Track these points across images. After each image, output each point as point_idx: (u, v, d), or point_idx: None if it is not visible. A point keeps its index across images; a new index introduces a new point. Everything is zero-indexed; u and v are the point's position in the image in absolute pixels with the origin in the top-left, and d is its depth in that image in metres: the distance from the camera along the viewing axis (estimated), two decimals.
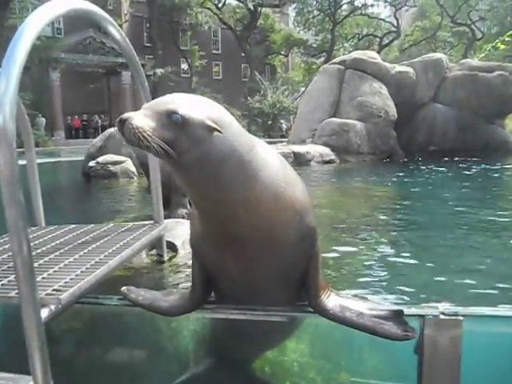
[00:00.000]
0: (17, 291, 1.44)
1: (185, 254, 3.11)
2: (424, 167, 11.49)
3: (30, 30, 1.50)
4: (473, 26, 40.89)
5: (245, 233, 1.55)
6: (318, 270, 1.73)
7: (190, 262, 2.52)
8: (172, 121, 1.42)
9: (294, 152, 12.50)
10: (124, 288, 1.90)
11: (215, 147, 1.46)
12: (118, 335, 2.36)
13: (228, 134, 1.48)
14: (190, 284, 1.86)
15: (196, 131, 1.44)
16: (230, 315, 1.81)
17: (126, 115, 1.40)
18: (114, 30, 2.30)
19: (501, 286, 2.90)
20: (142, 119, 1.40)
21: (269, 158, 1.59)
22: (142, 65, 2.66)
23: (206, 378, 2.23)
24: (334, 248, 3.72)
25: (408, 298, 2.62)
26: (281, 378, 2.29)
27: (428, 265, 3.47)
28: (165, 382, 2.36)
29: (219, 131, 1.45)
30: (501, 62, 17.07)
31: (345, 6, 43.21)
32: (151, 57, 35.46)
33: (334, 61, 16.84)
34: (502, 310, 1.84)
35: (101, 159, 9.85)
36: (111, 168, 9.62)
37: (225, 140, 1.48)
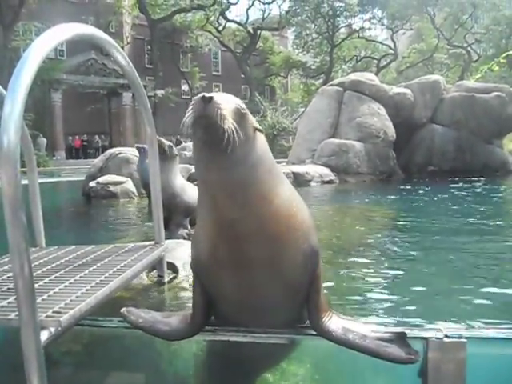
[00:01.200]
0: (16, 313, 1.42)
1: (185, 275, 3.09)
2: (423, 187, 11.50)
3: (36, 54, 1.53)
4: (469, 48, 41.63)
5: (253, 253, 1.54)
6: (320, 292, 1.73)
7: (190, 284, 2.50)
8: (238, 111, 1.45)
9: (293, 172, 12.49)
10: (124, 309, 1.88)
11: (253, 149, 1.51)
12: (117, 358, 2.32)
13: (261, 140, 1.56)
14: (190, 306, 1.84)
15: (248, 127, 1.50)
16: (231, 337, 1.80)
17: (209, 94, 1.39)
18: (117, 54, 2.34)
19: (505, 308, 2.87)
20: (223, 102, 1.41)
21: (283, 176, 1.65)
22: (144, 86, 2.69)
23: None
24: (334, 269, 3.69)
25: (411, 320, 2.59)
26: None
27: (430, 286, 3.44)
28: None
29: (261, 131, 1.54)
30: (497, 84, 17.27)
31: (342, 30, 43.99)
32: (152, 78, 35.90)
33: (332, 82, 17.05)
34: (507, 331, 1.81)
35: (101, 179, 9.85)
36: (111, 188, 9.61)
37: (260, 145, 1.55)
